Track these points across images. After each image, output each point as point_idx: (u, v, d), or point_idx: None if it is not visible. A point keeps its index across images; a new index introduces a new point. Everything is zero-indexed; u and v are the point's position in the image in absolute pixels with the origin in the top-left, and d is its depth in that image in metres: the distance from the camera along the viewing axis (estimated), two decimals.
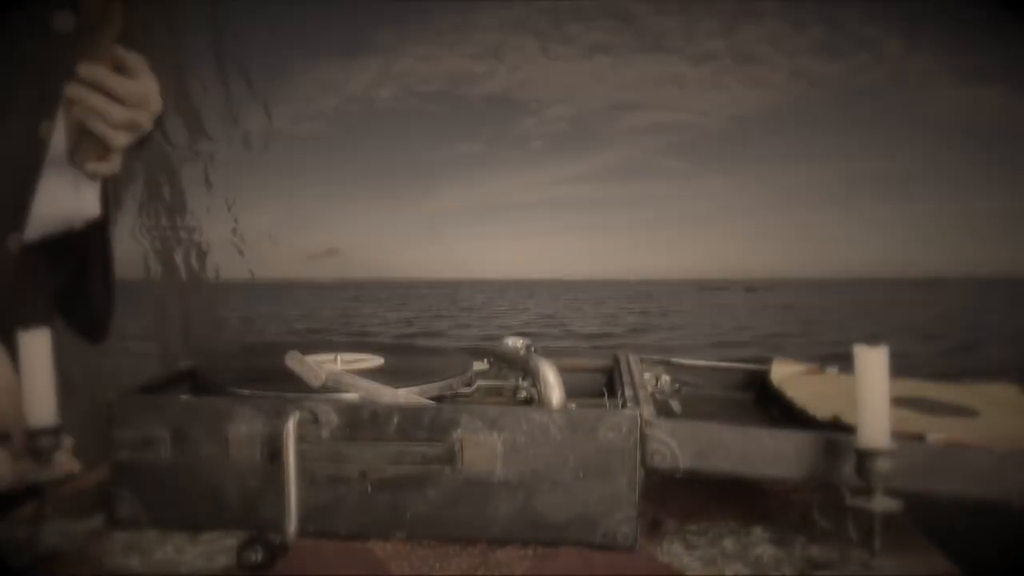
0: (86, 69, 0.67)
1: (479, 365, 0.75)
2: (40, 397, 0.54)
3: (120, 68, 0.70)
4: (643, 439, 0.55)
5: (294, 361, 0.59)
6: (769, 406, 0.75)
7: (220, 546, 0.56)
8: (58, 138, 0.75)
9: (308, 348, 0.74)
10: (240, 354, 0.85)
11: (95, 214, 0.82)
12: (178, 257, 4.09)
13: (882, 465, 0.52)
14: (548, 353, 0.67)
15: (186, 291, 4.11)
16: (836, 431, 0.57)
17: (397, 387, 0.60)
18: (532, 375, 0.63)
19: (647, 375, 0.76)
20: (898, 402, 0.63)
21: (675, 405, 0.70)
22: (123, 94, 0.69)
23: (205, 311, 4.16)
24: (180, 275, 4.11)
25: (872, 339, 0.54)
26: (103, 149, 0.70)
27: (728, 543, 0.57)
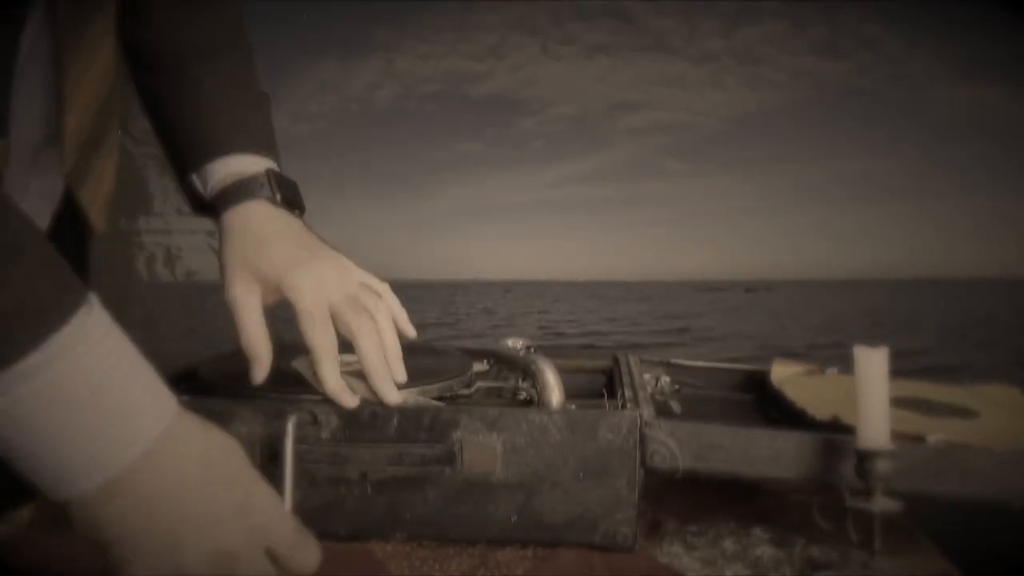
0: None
1: (479, 366, 0.75)
2: None
3: None
4: (643, 440, 0.55)
5: (303, 366, 0.59)
6: (769, 407, 0.75)
7: None
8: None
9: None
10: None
11: None
12: (140, 262, 3.96)
13: (882, 466, 0.52)
14: (549, 355, 0.66)
15: (146, 296, 3.97)
16: (836, 432, 0.57)
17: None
18: (532, 376, 0.63)
19: (647, 376, 0.77)
20: (898, 403, 0.63)
21: (675, 406, 0.70)
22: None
23: (172, 316, 3.95)
24: (141, 279, 3.98)
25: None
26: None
27: (728, 544, 0.57)
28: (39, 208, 0.64)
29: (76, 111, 0.61)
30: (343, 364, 0.70)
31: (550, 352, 0.70)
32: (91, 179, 0.66)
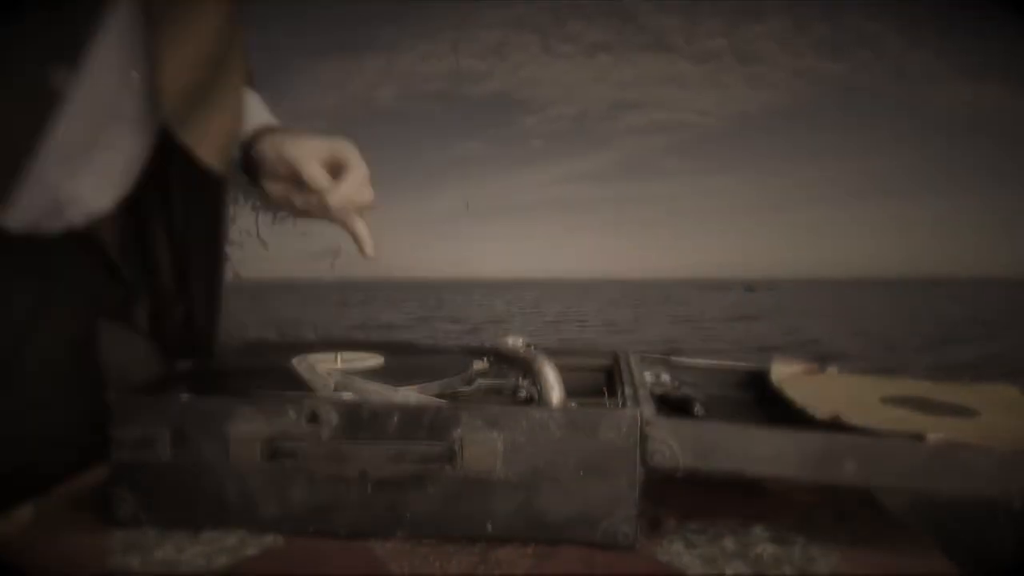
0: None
1: (479, 364, 0.75)
2: None
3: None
4: (643, 438, 0.56)
5: (303, 367, 0.59)
6: (769, 406, 0.75)
7: (220, 546, 0.56)
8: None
9: (308, 347, 0.74)
10: (240, 353, 0.85)
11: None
12: None
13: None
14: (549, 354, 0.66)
15: None
16: (836, 431, 0.57)
17: (398, 387, 0.60)
18: (532, 374, 0.62)
19: (647, 374, 0.76)
20: (898, 402, 0.63)
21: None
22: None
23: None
24: None
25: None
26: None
27: (728, 542, 0.57)
28: (118, 155, 0.69)
29: (170, 66, 0.63)
30: (343, 362, 0.70)
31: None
32: (196, 128, 0.66)
